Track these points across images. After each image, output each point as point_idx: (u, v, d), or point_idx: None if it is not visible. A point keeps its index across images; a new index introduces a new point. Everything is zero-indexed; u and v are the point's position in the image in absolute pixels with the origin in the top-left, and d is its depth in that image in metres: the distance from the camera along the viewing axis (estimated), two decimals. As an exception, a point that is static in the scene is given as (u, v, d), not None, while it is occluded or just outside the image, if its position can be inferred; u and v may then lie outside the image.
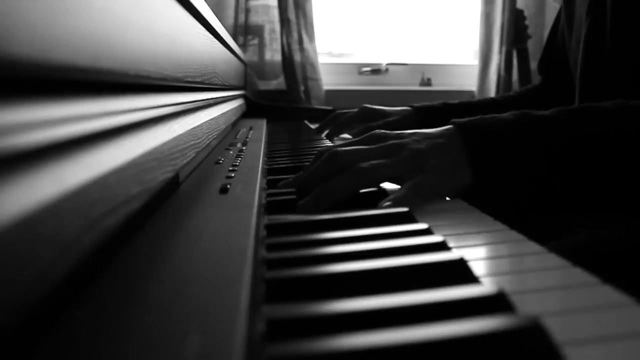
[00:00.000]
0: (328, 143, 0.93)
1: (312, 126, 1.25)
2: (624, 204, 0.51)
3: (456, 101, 1.04)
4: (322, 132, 1.09)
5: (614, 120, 0.49)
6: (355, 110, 1.05)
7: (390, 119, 0.99)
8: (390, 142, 0.48)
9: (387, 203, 0.43)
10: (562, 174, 0.47)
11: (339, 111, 1.11)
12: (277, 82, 1.72)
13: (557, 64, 0.97)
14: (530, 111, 0.51)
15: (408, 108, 1.02)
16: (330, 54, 1.95)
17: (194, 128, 0.46)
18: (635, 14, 0.69)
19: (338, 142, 1.03)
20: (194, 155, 0.45)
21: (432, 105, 1.02)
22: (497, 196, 0.48)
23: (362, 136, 0.51)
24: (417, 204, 0.44)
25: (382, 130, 0.51)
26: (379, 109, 1.03)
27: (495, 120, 0.50)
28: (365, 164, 0.45)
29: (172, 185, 0.43)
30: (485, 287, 0.25)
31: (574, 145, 0.48)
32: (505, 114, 0.51)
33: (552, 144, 0.48)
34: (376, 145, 0.48)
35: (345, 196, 0.45)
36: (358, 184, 0.45)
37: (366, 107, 1.04)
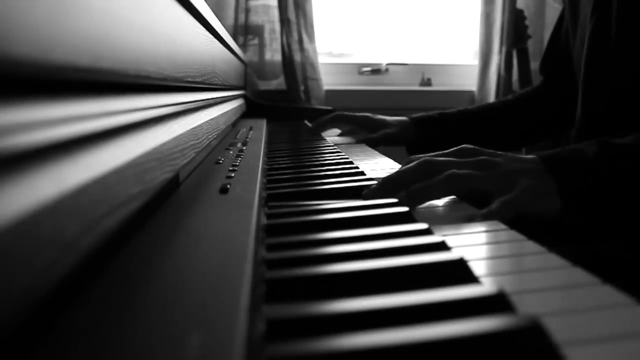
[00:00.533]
0: (328, 143, 0.93)
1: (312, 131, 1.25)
2: None
3: (454, 110, 1.04)
4: (318, 130, 1.09)
5: None
6: (358, 114, 1.06)
7: (389, 130, 1.00)
8: (483, 157, 0.50)
9: (482, 215, 0.44)
10: None
11: (342, 113, 1.11)
12: (277, 82, 1.72)
13: (560, 64, 0.97)
14: (611, 140, 0.52)
15: (406, 119, 1.02)
16: (330, 54, 1.95)
17: (194, 128, 0.46)
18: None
19: (335, 138, 1.04)
20: (194, 155, 0.45)
21: (428, 116, 1.02)
22: (581, 226, 0.50)
23: (453, 149, 0.52)
24: (507, 220, 0.44)
25: (473, 147, 0.52)
26: (378, 118, 1.03)
27: (576, 151, 0.51)
28: (460, 172, 0.47)
29: (172, 185, 0.43)
30: (485, 287, 0.25)
31: None
32: (584, 145, 0.52)
33: (636, 174, 0.49)
34: (470, 159, 0.49)
35: (437, 198, 0.48)
36: (452, 189, 0.47)
37: (368, 115, 1.04)
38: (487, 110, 1.05)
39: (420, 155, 0.51)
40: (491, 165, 0.48)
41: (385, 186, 0.49)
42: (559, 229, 0.51)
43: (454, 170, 0.47)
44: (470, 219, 0.43)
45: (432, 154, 0.52)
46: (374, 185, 0.50)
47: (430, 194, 0.47)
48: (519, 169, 0.49)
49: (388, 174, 0.50)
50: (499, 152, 0.51)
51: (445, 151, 0.52)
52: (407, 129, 1.00)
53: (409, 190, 0.46)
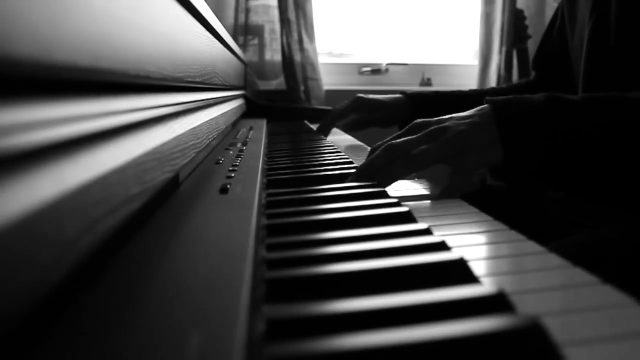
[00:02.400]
0: (328, 143, 0.93)
1: (312, 126, 1.25)
2: (629, 198, 0.54)
3: (448, 90, 1.05)
4: (322, 131, 1.10)
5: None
6: (348, 102, 1.07)
7: (385, 111, 1.02)
8: (432, 128, 0.54)
9: (440, 193, 0.51)
10: (583, 159, 0.51)
11: (335, 108, 1.12)
12: (277, 82, 1.72)
13: (553, 61, 0.97)
14: (560, 94, 0.55)
15: (400, 96, 1.04)
16: (330, 54, 1.95)
17: (194, 128, 0.46)
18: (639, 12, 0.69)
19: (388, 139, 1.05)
20: (194, 155, 0.45)
21: (424, 94, 1.04)
22: (521, 173, 0.53)
23: (406, 127, 0.57)
24: (464, 186, 0.49)
25: (422, 120, 0.56)
26: (372, 99, 1.04)
27: (525, 98, 0.55)
28: (415, 151, 0.52)
29: (172, 185, 0.43)
30: (485, 287, 0.25)
31: (600, 132, 0.51)
32: (536, 96, 0.55)
33: (578, 128, 0.51)
34: (421, 134, 0.54)
35: (403, 178, 0.54)
36: (411, 169, 0.52)
37: (360, 96, 1.06)
38: (480, 95, 1.05)
39: (381, 143, 0.56)
40: (441, 133, 0.53)
41: (360, 176, 0.54)
42: (502, 175, 0.55)
43: (411, 152, 0.52)
44: (470, 219, 0.43)
45: (389, 137, 0.57)
46: (349, 178, 0.55)
47: (393, 177, 0.52)
48: (466, 127, 0.53)
49: (359, 166, 0.56)
50: (446, 117, 0.55)
51: (400, 132, 0.57)
52: (402, 107, 1.04)
53: (376, 178, 0.52)
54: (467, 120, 0.54)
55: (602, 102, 0.53)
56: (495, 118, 0.53)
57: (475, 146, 0.52)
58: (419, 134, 0.54)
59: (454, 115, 0.56)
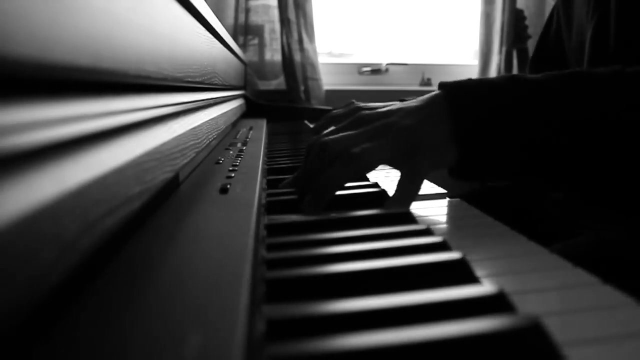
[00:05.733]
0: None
1: (312, 126, 1.25)
2: (618, 196, 0.47)
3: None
4: (317, 133, 1.09)
5: (609, 91, 0.44)
6: (345, 108, 1.05)
7: (339, 125, 1.00)
8: (378, 123, 0.46)
9: (389, 202, 0.43)
10: (555, 153, 0.43)
11: (334, 110, 1.11)
12: (277, 82, 1.72)
13: (550, 64, 0.97)
14: (520, 75, 0.47)
15: (398, 103, 1.03)
16: (330, 54, 1.95)
17: (194, 128, 0.46)
18: (639, 14, 0.69)
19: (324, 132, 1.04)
20: (194, 155, 0.45)
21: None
22: (481, 169, 0.45)
23: (347, 120, 0.49)
24: (416, 194, 0.43)
25: (367, 112, 0.49)
26: (369, 106, 1.03)
27: (482, 82, 0.46)
28: (356, 149, 0.43)
29: (172, 185, 0.43)
30: (485, 287, 0.25)
31: (568, 116, 0.43)
32: (494, 77, 0.48)
33: (538, 109, 0.44)
34: (364, 129, 0.46)
35: (342, 186, 0.44)
36: (353, 172, 0.44)
37: (355, 104, 1.04)
38: None
39: (315, 138, 0.48)
40: (387, 129, 0.45)
41: (297, 184, 0.48)
42: (459, 170, 0.46)
43: (351, 151, 0.43)
44: (469, 219, 0.43)
45: (326, 131, 0.50)
46: (285, 182, 0.50)
47: (332, 187, 0.44)
48: (415, 123, 0.45)
49: (295, 173, 0.50)
50: (394, 108, 0.47)
51: (341, 125, 0.49)
52: None
53: (311, 192, 0.44)
54: (416, 113, 0.46)
55: (567, 79, 0.45)
56: (448, 109, 0.45)
57: (426, 146, 0.44)
58: (360, 129, 0.46)
59: (403, 105, 0.48)
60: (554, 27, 0.95)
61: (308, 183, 0.46)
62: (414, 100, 0.48)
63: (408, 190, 0.44)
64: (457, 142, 0.44)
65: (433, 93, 0.48)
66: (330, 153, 0.45)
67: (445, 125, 0.44)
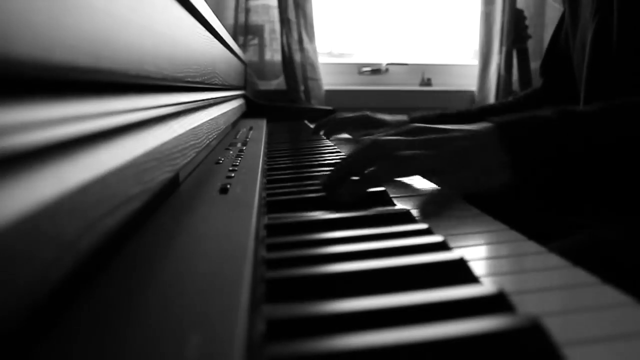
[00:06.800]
0: (328, 143, 0.93)
1: (312, 126, 1.25)
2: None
3: (454, 111, 1.04)
4: (318, 131, 1.09)
5: None
6: (356, 114, 1.06)
7: (391, 131, 1.00)
8: (432, 135, 0.48)
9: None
10: (600, 174, 0.47)
11: (338, 113, 1.11)
12: (277, 82, 1.72)
13: (560, 66, 0.97)
14: (569, 107, 0.50)
15: (405, 119, 1.03)
16: (330, 54, 1.95)
17: (194, 128, 0.46)
18: None
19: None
20: (194, 155, 0.45)
21: (427, 116, 1.02)
22: (535, 196, 0.49)
23: (402, 128, 0.51)
24: (458, 199, 0.44)
25: (421, 124, 0.50)
26: (379, 118, 1.03)
27: (535, 119, 0.49)
28: (407, 152, 0.45)
29: (172, 185, 0.43)
30: (485, 287, 0.25)
31: (618, 146, 0.47)
32: (544, 111, 0.50)
33: (594, 144, 0.47)
34: (418, 137, 0.48)
35: (386, 182, 0.46)
36: (400, 172, 0.46)
37: (366, 114, 1.05)
38: (486, 112, 1.05)
39: (369, 137, 0.50)
40: (441, 144, 0.47)
41: (339, 173, 0.48)
42: (512, 201, 0.50)
43: (401, 153, 0.45)
44: (469, 219, 0.43)
45: (380, 133, 0.51)
46: (329, 173, 0.49)
47: (377, 179, 0.46)
48: (469, 145, 0.47)
49: (340, 161, 0.50)
50: (450, 128, 0.50)
51: (394, 131, 0.51)
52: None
53: (358, 181, 0.45)
54: (470, 139, 0.48)
55: (619, 112, 0.48)
56: (502, 141, 0.47)
57: (478, 167, 0.46)
58: (414, 138, 0.48)
59: (455, 127, 0.50)
60: (564, 27, 0.95)
61: (349, 173, 0.46)
62: (464, 126, 0.50)
63: (439, 200, 0.45)
64: (515, 169, 0.46)
65: (483, 125, 0.50)
66: (381, 150, 0.46)
67: (499, 155, 0.47)
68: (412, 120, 1.01)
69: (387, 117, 1.04)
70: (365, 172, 0.46)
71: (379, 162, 0.46)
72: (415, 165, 0.46)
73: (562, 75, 0.96)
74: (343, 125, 1.08)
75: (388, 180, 0.46)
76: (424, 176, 0.48)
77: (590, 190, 0.49)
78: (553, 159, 0.47)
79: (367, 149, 0.47)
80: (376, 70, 1.90)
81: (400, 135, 0.49)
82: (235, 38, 1.61)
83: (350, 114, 1.07)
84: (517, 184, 0.47)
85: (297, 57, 1.67)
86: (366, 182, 0.45)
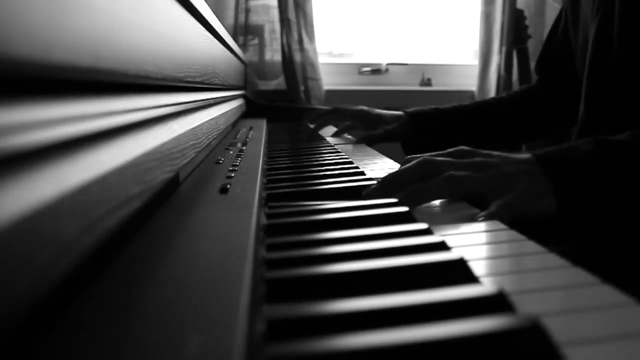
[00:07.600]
0: (328, 143, 0.93)
1: (313, 126, 1.25)
2: None
3: (449, 106, 1.05)
4: (317, 120, 1.11)
5: None
6: (354, 108, 1.08)
7: (388, 127, 1.01)
8: (479, 159, 0.50)
9: (481, 217, 0.44)
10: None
11: (341, 107, 1.13)
12: (277, 82, 1.72)
13: (556, 64, 0.97)
14: (607, 137, 0.52)
15: (402, 114, 1.03)
16: (330, 54, 1.95)
17: (194, 128, 0.46)
18: None
19: (335, 139, 1.05)
20: (194, 155, 0.45)
21: (423, 112, 1.03)
22: (580, 225, 0.50)
23: (450, 150, 0.52)
24: (506, 221, 0.44)
25: (468, 148, 0.52)
26: (376, 113, 1.05)
27: (574, 151, 0.51)
28: (458, 174, 0.47)
29: (172, 185, 0.43)
30: (485, 287, 0.25)
31: None
32: (581, 143, 0.52)
33: (632, 172, 0.49)
34: (466, 160, 0.50)
35: (435, 199, 0.48)
36: (449, 192, 0.47)
37: (364, 109, 1.07)
38: (482, 107, 1.05)
39: (418, 155, 0.52)
40: (487, 167, 0.49)
41: (385, 186, 0.49)
42: (557, 228, 0.51)
43: (452, 172, 0.47)
44: (469, 219, 0.43)
45: (429, 154, 0.52)
46: (373, 185, 0.50)
47: (428, 195, 0.47)
48: (515, 171, 0.49)
49: (387, 174, 0.50)
50: (495, 153, 0.51)
51: (442, 152, 0.52)
52: (404, 125, 1.02)
53: (407, 191, 0.47)
54: (516, 164, 0.50)
55: None
56: (544, 172, 0.49)
57: (524, 192, 0.48)
58: (463, 160, 0.50)
59: (500, 154, 0.52)
60: (562, 24, 0.95)
61: (399, 188, 0.48)
62: (511, 155, 0.52)
63: (497, 216, 0.44)
64: (558, 199, 0.48)
65: (524, 155, 0.51)
66: (432, 169, 0.48)
67: (543, 182, 0.49)
68: (412, 117, 1.02)
69: (383, 112, 1.05)
70: (415, 187, 0.47)
71: (431, 180, 0.47)
72: (463, 187, 0.47)
73: (559, 72, 0.96)
74: (342, 117, 1.09)
75: (437, 198, 0.48)
76: (470, 199, 0.50)
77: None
78: (591, 188, 0.49)
79: (420, 166, 0.49)
80: (376, 70, 1.90)
81: (449, 156, 0.51)
82: (235, 38, 1.61)
83: (349, 107, 1.09)
84: (562, 212, 0.48)
85: (297, 57, 1.67)
86: (418, 196, 0.47)
